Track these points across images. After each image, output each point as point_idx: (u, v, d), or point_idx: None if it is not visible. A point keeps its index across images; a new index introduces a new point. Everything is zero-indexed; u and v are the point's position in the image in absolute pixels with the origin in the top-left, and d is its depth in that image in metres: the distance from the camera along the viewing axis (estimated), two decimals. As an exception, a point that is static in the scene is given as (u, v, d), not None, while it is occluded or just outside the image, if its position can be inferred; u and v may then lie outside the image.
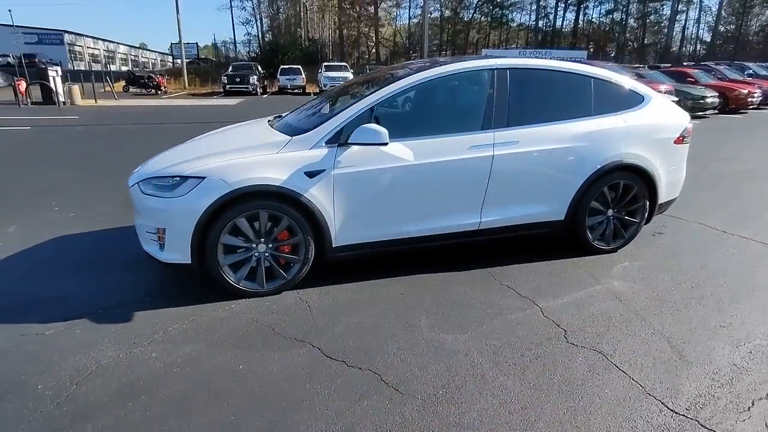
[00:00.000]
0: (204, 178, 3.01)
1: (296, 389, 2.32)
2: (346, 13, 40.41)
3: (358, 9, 39.37)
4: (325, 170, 3.14)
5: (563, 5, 45.04)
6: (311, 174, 3.12)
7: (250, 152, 3.20)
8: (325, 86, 23.64)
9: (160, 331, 2.81)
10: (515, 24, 47.17)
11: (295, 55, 33.87)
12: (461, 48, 44.70)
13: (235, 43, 46.60)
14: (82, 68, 40.59)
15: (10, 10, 42.71)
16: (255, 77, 24.48)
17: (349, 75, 24.18)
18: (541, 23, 45.39)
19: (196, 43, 38.03)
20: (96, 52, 50.94)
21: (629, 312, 3.05)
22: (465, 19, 43.90)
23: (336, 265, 3.56)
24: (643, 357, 2.57)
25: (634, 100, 3.92)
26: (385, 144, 3.13)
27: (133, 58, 59.68)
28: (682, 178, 4.19)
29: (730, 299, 3.21)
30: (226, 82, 24.29)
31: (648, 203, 3.94)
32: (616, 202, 3.87)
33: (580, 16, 45.83)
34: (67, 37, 44.06)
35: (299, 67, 26.47)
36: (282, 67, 26.60)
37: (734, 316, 3.00)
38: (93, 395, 2.26)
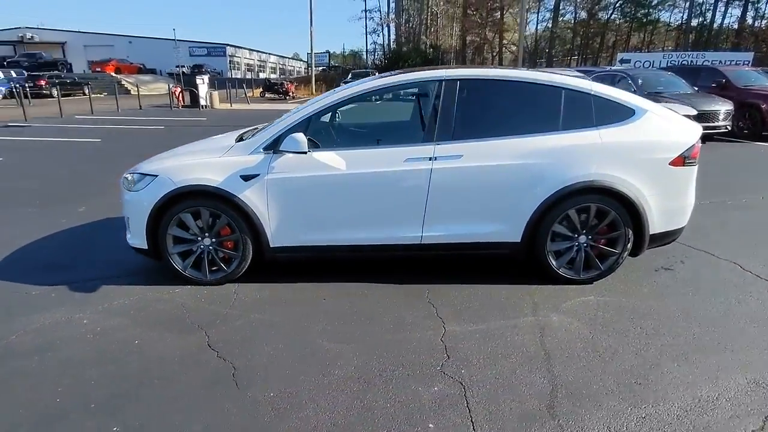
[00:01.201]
0: (156, 176, 3.47)
1: (161, 369, 2.60)
2: (470, 19, 39.96)
3: (483, 15, 38.65)
4: (259, 175, 3.38)
5: (724, 1, 38.52)
6: (246, 178, 3.38)
7: (200, 156, 3.59)
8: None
9: (106, 303, 3.32)
10: (662, 24, 41.68)
11: (415, 62, 34.62)
12: (594, 52, 41.01)
13: (367, 52, 49.27)
14: (239, 76, 46.71)
15: (174, 29, 50.62)
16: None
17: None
18: (695, 22, 39.42)
19: (328, 52, 41.09)
20: (251, 61, 58.12)
21: (536, 350, 2.74)
22: (602, 20, 40.18)
23: (302, 265, 3.78)
24: (505, 405, 2.32)
25: (621, 114, 3.45)
26: (305, 153, 3.27)
27: (281, 66, 66.79)
28: (686, 206, 3.55)
29: (682, 357, 2.68)
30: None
31: (632, 233, 3.43)
32: (588, 228, 3.45)
33: (748, 13, 38.77)
34: (228, 50, 51.14)
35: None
36: (398, 73, 27.46)
37: (664, 380, 2.52)
38: (18, 346, 2.81)
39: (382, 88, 3.54)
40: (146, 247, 3.56)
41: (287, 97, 27.85)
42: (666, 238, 3.61)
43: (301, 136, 3.25)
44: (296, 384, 2.46)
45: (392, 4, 44.02)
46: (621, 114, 3.45)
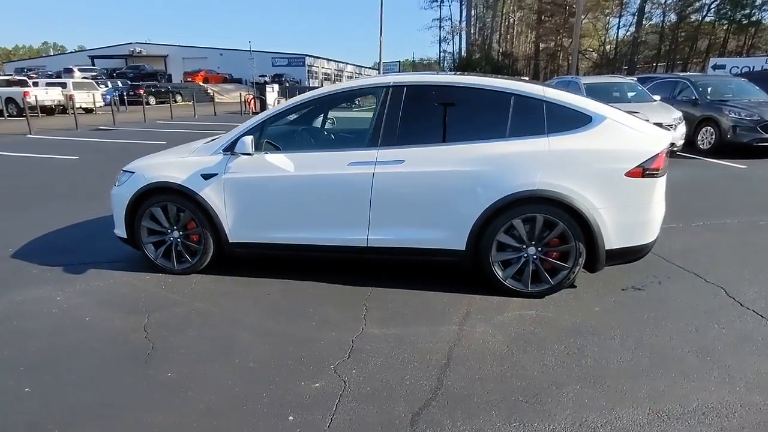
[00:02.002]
0: (133, 173, 3.85)
1: (92, 343, 2.90)
2: (544, 25, 38.42)
3: (557, 21, 37.02)
4: (217, 174, 3.63)
5: None
6: (206, 176, 3.65)
7: (172, 155, 3.92)
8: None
9: (84, 284, 3.73)
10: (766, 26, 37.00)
11: (485, 70, 34.05)
12: (684, 58, 37.38)
13: (440, 61, 49.27)
14: (316, 84, 48.87)
15: (249, 42, 53.88)
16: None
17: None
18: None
19: (399, 62, 41.63)
20: (328, 70, 60.52)
21: (440, 359, 2.69)
22: (695, 23, 36.56)
23: (266, 261, 3.99)
24: (373, 409, 2.33)
25: (576, 122, 3.27)
26: (250, 154, 3.46)
27: (357, 75, 68.79)
28: (649, 221, 3.27)
29: (591, 381, 2.50)
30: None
31: (583, 247, 3.23)
32: (537, 240, 3.30)
33: None
34: (307, 60, 53.70)
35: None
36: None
37: (555, 401, 2.37)
38: (-5, 313, 3.27)
39: (334, 94, 3.66)
40: (125, 237, 3.95)
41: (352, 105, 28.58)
42: (628, 255, 3.35)
43: (247, 139, 3.46)
44: (196, 368, 2.64)
45: (464, 13, 43.78)
46: (576, 121, 3.27)
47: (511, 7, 43.06)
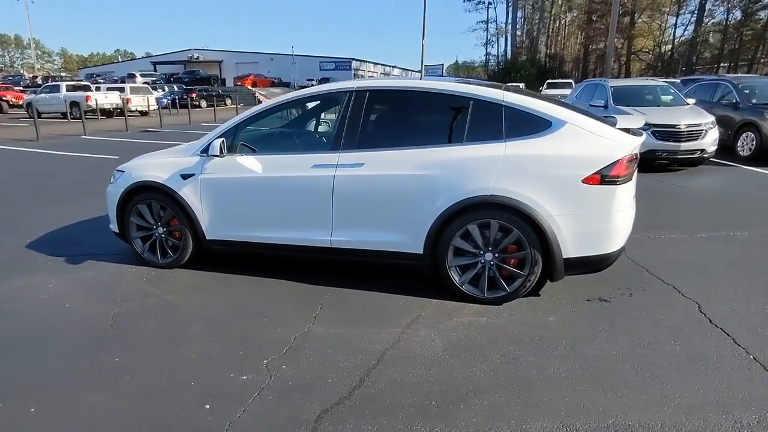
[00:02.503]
0: (124, 172, 4.13)
1: (62, 327, 3.15)
2: (593, 26, 36.82)
3: (608, 21, 35.28)
4: (194, 174, 3.84)
5: None
6: (185, 176, 3.86)
7: (159, 156, 4.17)
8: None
9: (77, 274, 4.05)
10: None
11: (528, 72, 33.22)
12: (749, 59, 34.50)
13: (486, 63, 48.53)
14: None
15: (293, 47, 55.43)
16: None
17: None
18: None
19: (442, 65, 41.41)
20: (374, 74, 61.18)
21: (366, 360, 2.73)
22: (763, 21, 33.62)
23: (246, 258, 4.18)
24: (288, 404, 2.40)
25: (535, 126, 3.21)
26: (217, 156, 3.64)
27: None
28: (610, 230, 3.15)
29: (510, 390, 2.45)
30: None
31: (539, 255, 3.16)
32: (494, 246, 3.26)
33: None
34: (353, 63, 54.57)
35: (519, 85, 26.04)
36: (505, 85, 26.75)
37: (464, 407, 2.34)
38: (-8, 297, 3.62)
39: (302, 98, 3.77)
40: (118, 231, 4.24)
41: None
42: (588, 264, 3.24)
43: (216, 142, 3.64)
44: (143, 355, 2.82)
45: (510, 15, 42.90)
46: (536, 126, 3.21)
47: (561, 8, 41.74)
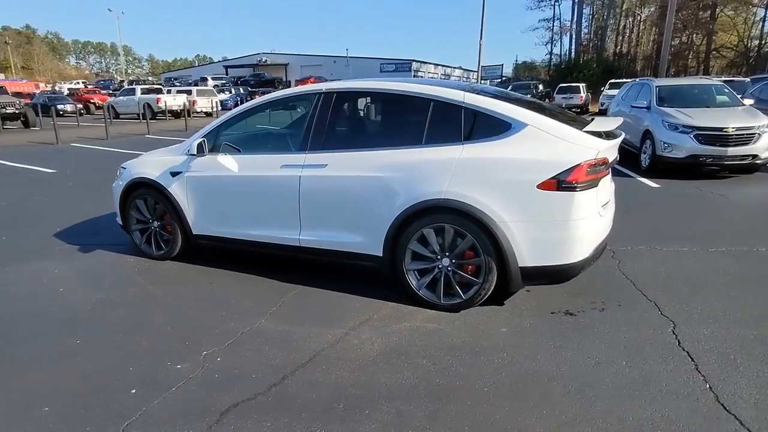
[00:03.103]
0: (126, 168, 4.45)
1: (47, 310, 3.45)
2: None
3: (684, 15, 32.43)
4: (182, 172, 4.06)
5: None
6: (174, 174, 4.09)
7: (157, 154, 4.44)
8: (602, 105, 21.66)
9: (82, 261, 4.41)
10: None
11: (593, 72, 31.44)
12: None
13: (549, 62, 46.50)
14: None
15: (347, 49, 56.20)
16: (529, 96, 24.50)
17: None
18: None
19: (501, 65, 40.24)
20: (434, 75, 60.87)
21: (287, 359, 2.75)
22: None
23: (235, 253, 4.37)
24: (197, 398, 2.49)
25: (495, 129, 3.08)
26: (194, 155, 3.81)
27: (464, 79, 68.21)
28: (570, 239, 2.95)
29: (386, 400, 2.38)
30: (499, 101, 25.32)
31: (493, 262, 3.03)
32: (449, 251, 3.17)
33: None
34: (414, 65, 54.61)
35: (580, 85, 24.76)
36: (560, 85, 25.53)
37: (346, 405, 2.30)
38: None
39: (276, 100, 3.86)
40: (122, 224, 4.58)
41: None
42: (547, 275, 3.06)
43: (195, 142, 3.83)
44: (100, 339, 3.03)
45: (575, 13, 40.73)
46: (496, 128, 3.08)
47: (635, 3, 39.04)
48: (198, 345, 2.93)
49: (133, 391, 2.50)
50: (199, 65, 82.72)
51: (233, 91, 37.64)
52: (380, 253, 3.37)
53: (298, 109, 4.19)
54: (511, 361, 2.68)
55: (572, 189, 2.87)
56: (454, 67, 66.74)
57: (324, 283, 3.75)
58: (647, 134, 7.98)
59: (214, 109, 25.93)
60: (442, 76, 62.26)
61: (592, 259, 3.14)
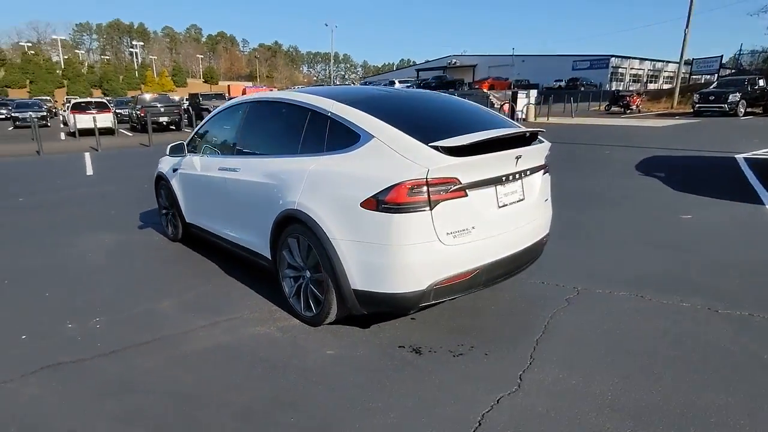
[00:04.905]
0: (159, 164, 5.43)
1: (67, 266, 4.56)
2: None
3: None
4: (178, 169, 4.81)
5: None
6: (174, 170, 4.88)
7: (177, 152, 5.31)
8: None
9: (130, 236, 5.56)
10: None
11: None
12: None
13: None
14: (619, 88, 44.15)
15: (513, 48, 51.40)
16: (738, 95, 19.74)
17: None
18: None
19: (720, 57, 32.56)
20: (639, 71, 53.04)
21: (125, 336, 3.11)
22: None
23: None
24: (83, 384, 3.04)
25: (348, 140, 2.91)
26: (166, 154, 4.45)
27: (683, 75, 57.39)
28: (393, 266, 2.61)
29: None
30: (696, 100, 21.03)
31: (331, 281, 2.88)
32: (305, 263, 3.13)
33: None
34: (612, 61, 48.62)
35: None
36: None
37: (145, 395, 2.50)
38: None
39: (223, 109, 4.25)
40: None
41: (627, 111, 24.90)
42: (379, 302, 2.77)
43: (175, 144, 4.49)
44: (79, 284, 3.89)
45: None
46: (347, 139, 2.92)
47: None
48: (105, 310, 3.54)
49: (70, 325, 3.23)
50: (396, 69, 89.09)
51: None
52: (269, 257, 3.49)
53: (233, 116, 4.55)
54: (294, 383, 2.56)
55: (391, 211, 2.54)
56: (666, 61, 57.20)
57: (247, 279, 4.01)
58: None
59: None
60: (650, 72, 54.10)
61: (444, 294, 2.71)
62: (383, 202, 2.56)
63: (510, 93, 25.22)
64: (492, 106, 25.21)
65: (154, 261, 4.68)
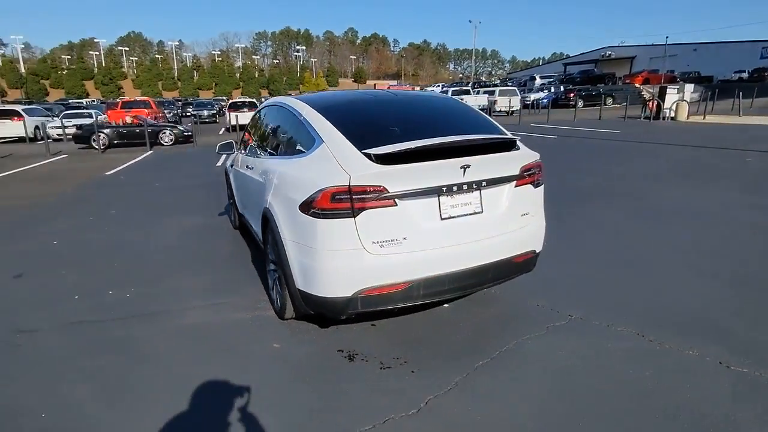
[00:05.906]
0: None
1: (133, 243, 5.47)
2: None
3: None
4: (233, 165, 5.39)
5: None
6: (231, 165, 5.48)
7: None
8: None
9: (199, 219, 6.41)
10: None
11: None
12: None
13: None
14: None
15: (666, 37, 43.01)
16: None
17: None
18: None
19: None
20: None
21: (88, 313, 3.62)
22: None
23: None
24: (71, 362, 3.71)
25: (307, 144, 3.04)
26: (220, 153, 5.01)
27: None
28: (319, 269, 2.66)
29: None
30: None
31: (284, 279, 3.04)
32: (275, 258, 3.32)
33: None
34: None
35: None
36: None
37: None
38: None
39: (260, 110, 4.60)
40: (231, 200, 6.35)
41: None
42: (315, 304, 2.82)
43: (228, 142, 5.05)
44: (126, 283, 4.71)
45: None
46: (308, 144, 3.03)
47: None
48: (142, 284, 4.20)
49: (76, 297, 4.01)
50: (541, 65, 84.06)
51: (551, 90, 37.22)
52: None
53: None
54: (224, 365, 2.79)
55: (318, 216, 2.59)
56: None
57: (262, 270, 4.35)
58: None
59: (513, 109, 26.68)
60: None
61: (375, 303, 2.67)
62: (312, 207, 2.63)
63: (657, 88, 22.13)
64: (644, 102, 22.41)
65: (208, 245, 5.34)
